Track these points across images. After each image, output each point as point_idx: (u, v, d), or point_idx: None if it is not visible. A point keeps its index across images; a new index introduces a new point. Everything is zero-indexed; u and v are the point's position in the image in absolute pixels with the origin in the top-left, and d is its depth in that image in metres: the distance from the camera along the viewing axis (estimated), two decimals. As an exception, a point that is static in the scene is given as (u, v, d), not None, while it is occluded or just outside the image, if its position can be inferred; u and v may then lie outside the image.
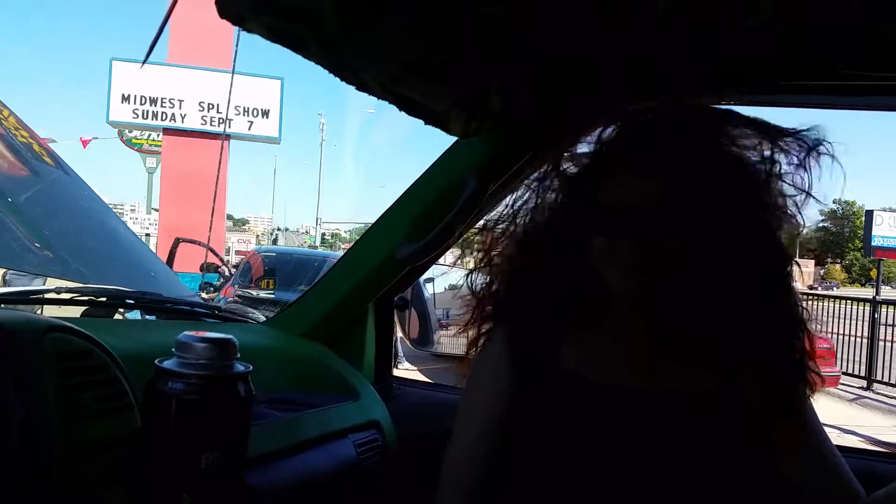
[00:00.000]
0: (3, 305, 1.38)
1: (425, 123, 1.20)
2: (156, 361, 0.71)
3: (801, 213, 1.11)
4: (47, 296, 1.45)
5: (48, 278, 1.88)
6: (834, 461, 1.08)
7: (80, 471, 0.75)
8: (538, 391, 1.12)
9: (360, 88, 1.04)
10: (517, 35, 1.07)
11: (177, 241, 8.23)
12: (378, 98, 1.09)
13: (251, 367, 0.74)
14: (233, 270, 9.88)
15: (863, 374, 10.32)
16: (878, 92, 1.19)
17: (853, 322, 10.75)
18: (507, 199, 1.31)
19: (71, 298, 1.45)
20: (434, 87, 1.13)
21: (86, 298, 1.51)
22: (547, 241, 1.19)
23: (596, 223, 1.08)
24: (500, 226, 1.24)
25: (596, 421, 1.08)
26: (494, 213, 1.29)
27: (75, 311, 1.53)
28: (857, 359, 10.38)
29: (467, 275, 1.28)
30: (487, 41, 1.05)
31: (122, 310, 1.89)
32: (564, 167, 1.20)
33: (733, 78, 1.24)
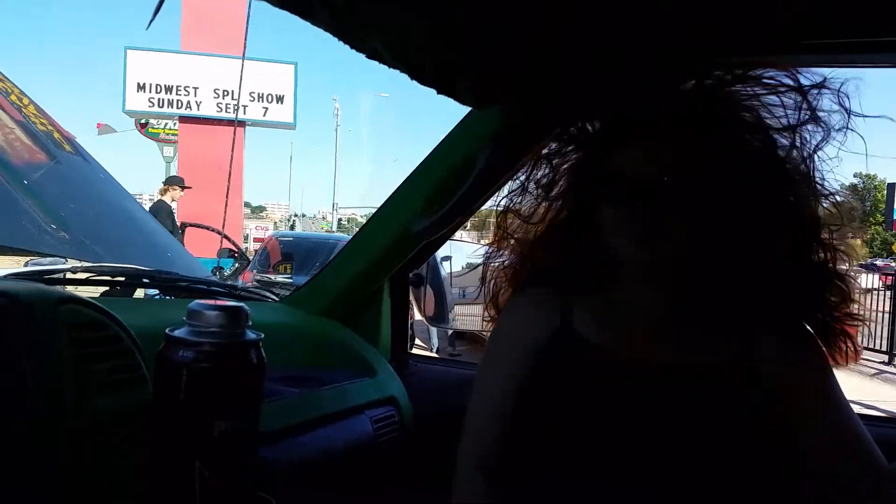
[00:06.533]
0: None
1: (437, 93, 1.18)
2: (166, 330, 0.71)
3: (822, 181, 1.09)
4: (64, 275, 1.46)
5: (67, 260, 1.89)
6: (855, 430, 1.06)
7: (93, 442, 0.75)
8: (555, 360, 1.12)
9: (370, 56, 1.02)
10: (526, 7, 1.05)
11: (183, 226, 8.33)
12: (389, 66, 1.07)
13: (262, 335, 0.73)
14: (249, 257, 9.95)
15: (884, 348, 10.22)
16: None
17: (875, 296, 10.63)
18: (521, 170, 1.30)
19: (87, 278, 1.46)
20: (446, 56, 1.12)
21: (103, 278, 1.52)
22: (560, 211, 1.19)
23: (607, 192, 1.07)
24: (515, 198, 1.24)
25: (609, 392, 1.07)
26: (508, 185, 1.29)
27: (94, 294, 1.53)
28: (878, 333, 10.27)
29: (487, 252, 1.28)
30: (498, 13, 1.04)
31: (140, 291, 1.90)
32: (576, 138, 1.19)
33: (751, 39, 1.22)
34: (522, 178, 1.26)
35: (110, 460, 0.74)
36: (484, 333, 1.28)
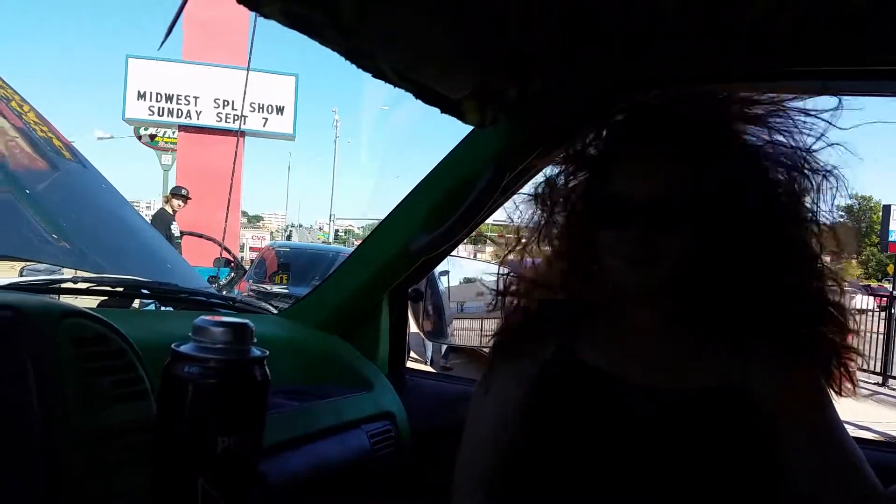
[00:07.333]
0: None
1: (441, 112, 1.19)
2: (172, 345, 0.71)
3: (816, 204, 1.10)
4: (64, 285, 1.46)
5: (65, 269, 1.89)
6: (851, 454, 1.07)
7: (96, 456, 0.75)
8: (552, 381, 1.12)
9: (376, 76, 1.03)
10: (531, 26, 1.07)
11: (181, 234, 8.42)
12: (394, 86, 1.08)
13: (268, 352, 0.74)
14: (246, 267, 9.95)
15: (878, 370, 10.23)
16: (885, 76, 1.18)
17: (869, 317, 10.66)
18: (523, 189, 1.31)
19: (87, 288, 1.46)
20: (450, 76, 1.13)
21: (102, 288, 1.52)
22: (557, 233, 1.20)
23: (604, 214, 1.08)
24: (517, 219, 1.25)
25: (605, 414, 1.07)
26: (510, 205, 1.30)
27: (92, 303, 1.53)
28: (872, 354, 10.29)
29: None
30: (502, 31, 1.05)
31: (138, 301, 1.90)
32: (576, 159, 1.20)
33: (740, 66, 1.24)
34: (523, 198, 1.27)
35: (115, 474, 0.75)
36: (483, 349, 1.28)
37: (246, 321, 0.73)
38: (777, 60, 1.18)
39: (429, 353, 8.14)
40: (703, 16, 1.05)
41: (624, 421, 1.06)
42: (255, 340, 0.74)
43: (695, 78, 1.25)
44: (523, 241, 1.23)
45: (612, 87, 1.30)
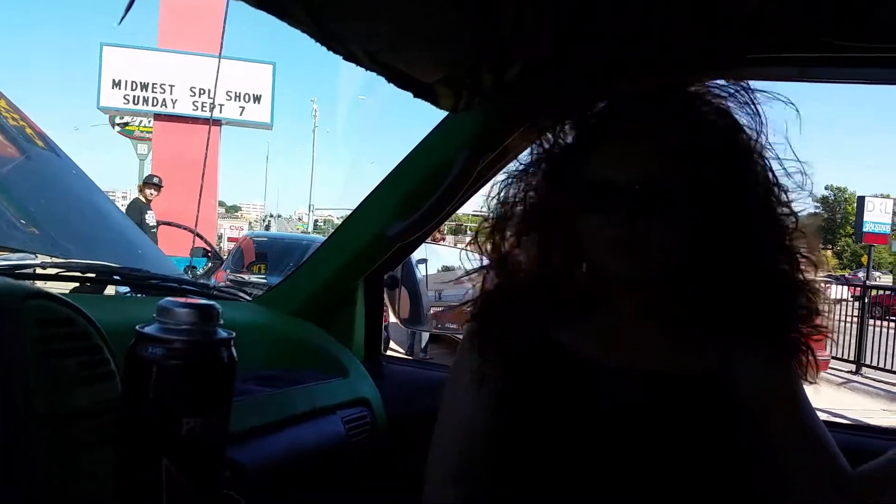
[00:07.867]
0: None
1: (414, 96, 1.18)
2: (136, 327, 0.70)
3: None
4: (35, 271, 1.44)
5: (40, 257, 1.87)
6: (821, 437, 1.08)
7: (61, 438, 0.74)
8: (533, 368, 1.11)
9: (347, 59, 1.03)
10: (506, 9, 1.06)
11: (158, 224, 8.39)
12: (366, 69, 1.07)
13: (234, 334, 0.73)
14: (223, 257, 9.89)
15: (852, 358, 10.39)
16: (872, 64, 1.19)
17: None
18: (498, 176, 1.30)
19: (57, 273, 1.44)
20: (423, 59, 1.12)
21: (73, 274, 1.50)
22: (537, 219, 1.19)
23: (584, 200, 1.08)
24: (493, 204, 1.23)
25: (590, 400, 1.07)
26: (486, 192, 1.29)
27: (64, 290, 1.51)
28: (846, 343, 10.45)
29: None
30: (476, 14, 1.04)
31: (111, 288, 1.88)
32: (554, 144, 1.19)
33: (723, 53, 1.24)
34: (499, 184, 1.26)
35: (79, 456, 0.74)
36: (458, 336, 1.28)
37: (212, 303, 0.72)
38: (771, 48, 1.18)
39: (409, 343, 8.16)
40: (698, 4, 1.04)
41: (608, 407, 1.05)
42: (222, 323, 0.73)
43: (687, 67, 1.24)
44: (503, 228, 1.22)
45: (602, 75, 1.30)
